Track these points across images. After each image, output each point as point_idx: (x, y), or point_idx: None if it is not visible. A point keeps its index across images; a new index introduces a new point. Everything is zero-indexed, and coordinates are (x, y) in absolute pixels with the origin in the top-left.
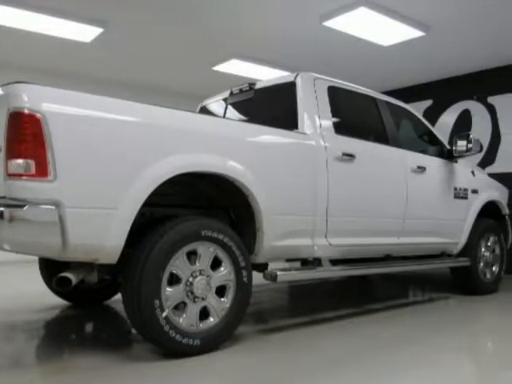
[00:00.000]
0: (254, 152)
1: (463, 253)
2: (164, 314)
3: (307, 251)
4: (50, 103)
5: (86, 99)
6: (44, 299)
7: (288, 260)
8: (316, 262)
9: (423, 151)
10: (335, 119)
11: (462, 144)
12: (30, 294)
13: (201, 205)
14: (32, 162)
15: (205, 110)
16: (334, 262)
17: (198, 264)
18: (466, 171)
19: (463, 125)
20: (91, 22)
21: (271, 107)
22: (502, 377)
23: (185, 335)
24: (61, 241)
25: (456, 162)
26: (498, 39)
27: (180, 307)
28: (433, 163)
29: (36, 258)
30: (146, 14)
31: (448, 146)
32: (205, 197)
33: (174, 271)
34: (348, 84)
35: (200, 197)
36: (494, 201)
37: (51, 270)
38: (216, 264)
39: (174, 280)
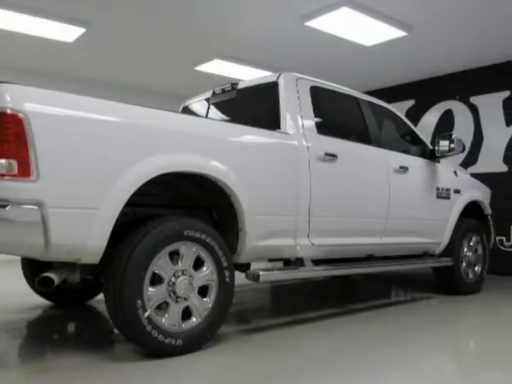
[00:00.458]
0: (236, 152)
1: (446, 253)
2: (146, 314)
3: (290, 251)
4: (32, 103)
5: (69, 99)
6: (26, 299)
7: (270, 260)
8: (298, 262)
9: (406, 151)
10: (318, 119)
11: (444, 144)
12: (13, 294)
13: (183, 205)
14: (14, 162)
15: (187, 110)
16: (317, 262)
17: (180, 264)
18: (448, 171)
19: (446, 125)
20: (73, 22)
21: (254, 107)
22: (484, 377)
23: (167, 335)
24: (43, 241)
25: (438, 161)
26: (480, 39)
27: (162, 307)
28: (415, 163)
29: (18, 258)
30: (128, 14)
31: (430, 146)
32: (187, 197)
33: (157, 271)
34: (330, 84)
35: (182, 197)
36: (477, 201)
37: (34, 269)
38: (198, 264)
39: (156, 280)
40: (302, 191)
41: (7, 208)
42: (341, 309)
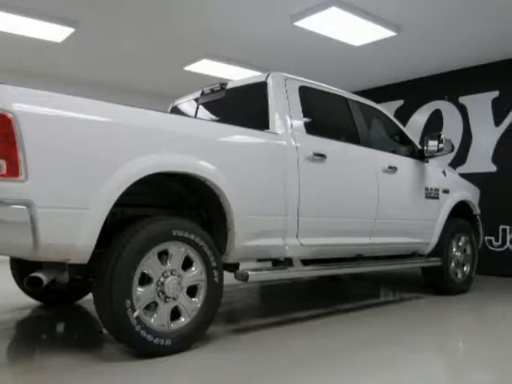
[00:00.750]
0: (225, 152)
1: (434, 253)
2: (135, 314)
3: (278, 251)
4: (21, 103)
5: (58, 99)
6: (15, 299)
7: (259, 260)
8: (287, 262)
9: (394, 151)
10: (306, 119)
11: (433, 144)
12: (1, 294)
13: (172, 205)
14: (3, 162)
15: (176, 110)
16: (306, 262)
17: (169, 264)
18: (437, 171)
19: (434, 125)
20: (62, 21)
21: (242, 107)
22: (470, 376)
23: (156, 335)
24: (32, 241)
25: (427, 161)
26: (468, 40)
27: (151, 307)
28: (404, 163)
29: (7, 258)
30: (117, 14)
31: (419, 146)
32: (176, 197)
33: (146, 271)
34: (319, 84)
35: (172, 197)
36: (466, 201)
37: (22, 269)
38: (187, 264)
39: (145, 280)
40: (291, 191)
41: None
42: (329, 309)
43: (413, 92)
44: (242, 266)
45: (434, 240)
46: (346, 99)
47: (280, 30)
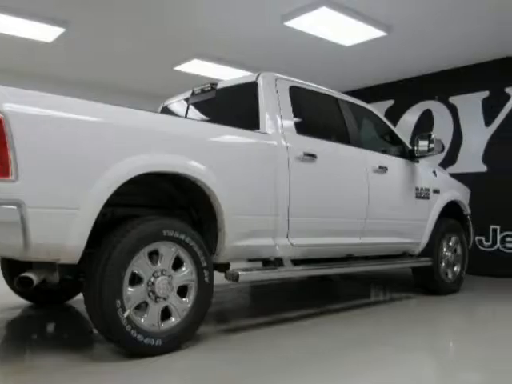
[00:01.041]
0: (215, 152)
1: (425, 253)
2: (125, 314)
3: (269, 251)
4: (11, 103)
5: (48, 99)
6: (5, 299)
7: (250, 260)
8: (277, 262)
9: (385, 151)
10: (297, 119)
11: (423, 144)
12: None
13: (163, 205)
14: None
15: (166, 110)
16: (296, 262)
17: (159, 264)
18: (427, 171)
19: (425, 125)
20: (53, 21)
21: (233, 107)
22: (460, 376)
23: (146, 335)
24: (22, 241)
25: (418, 161)
26: (458, 40)
27: (142, 307)
28: (394, 163)
29: None
30: (108, 14)
31: (410, 146)
32: (167, 197)
33: (136, 271)
34: (310, 84)
35: (162, 197)
36: (456, 201)
37: (13, 269)
38: (178, 264)
39: (135, 280)
40: (281, 191)
41: None
42: (320, 309)
43: (403, 92)
44: (233, 266)
45: (424, 240)
46: (336, 99)
47: (270, 30)
